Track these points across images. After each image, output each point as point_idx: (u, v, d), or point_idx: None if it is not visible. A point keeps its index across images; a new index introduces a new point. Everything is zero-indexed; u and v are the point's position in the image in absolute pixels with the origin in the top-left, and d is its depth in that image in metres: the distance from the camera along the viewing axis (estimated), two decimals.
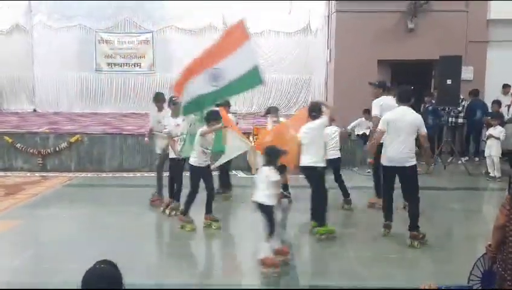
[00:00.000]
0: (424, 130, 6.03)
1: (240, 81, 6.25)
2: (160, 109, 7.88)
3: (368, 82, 7.87)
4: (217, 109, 7.03)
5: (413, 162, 6.05)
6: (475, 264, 3.66)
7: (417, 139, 6.12)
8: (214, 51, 6.38)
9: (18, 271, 5.32)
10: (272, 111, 8.29)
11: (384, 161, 6.19)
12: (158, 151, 7.83)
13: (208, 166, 6.70)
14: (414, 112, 6.19)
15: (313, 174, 6.35)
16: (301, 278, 5.16)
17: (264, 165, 5.40)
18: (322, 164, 6.38)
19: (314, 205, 6.48)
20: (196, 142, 6.51)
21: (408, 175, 6.09)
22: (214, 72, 6.39)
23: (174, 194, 7.18)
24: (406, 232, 6.41)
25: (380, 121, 6.30)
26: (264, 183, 5.25)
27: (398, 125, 5.98)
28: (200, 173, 6.58)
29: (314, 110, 6.45)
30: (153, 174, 8.13)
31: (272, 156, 5.36)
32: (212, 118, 6.45)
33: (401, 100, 6.16)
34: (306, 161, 6.32)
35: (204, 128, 6.47)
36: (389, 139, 6.08)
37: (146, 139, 8.30)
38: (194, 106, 6.56)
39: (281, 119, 8.17)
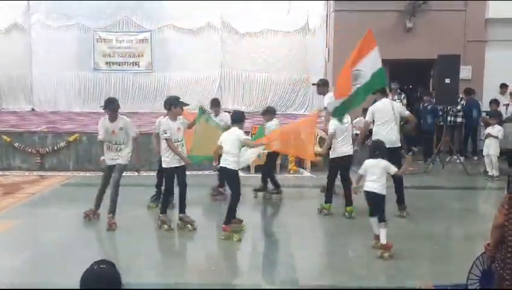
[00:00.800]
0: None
1: (371, 81, 7.08)
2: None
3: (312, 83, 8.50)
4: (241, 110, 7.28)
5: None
6: (474, 263, 3.68)
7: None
8: (354, 56, 7.38)
9: (16, 271, 5.31)
10: (267, 112, 8.39)
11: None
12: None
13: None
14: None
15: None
16: (301, 276, 5.17)
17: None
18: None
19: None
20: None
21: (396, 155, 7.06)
22: (355, 73, 7.18)
23: (180, 208, 6.79)
24: (405, 233, 6.43)
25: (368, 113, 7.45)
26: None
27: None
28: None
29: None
30: (152, 174, 8.12)
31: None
32: (238, 119, 6.70)
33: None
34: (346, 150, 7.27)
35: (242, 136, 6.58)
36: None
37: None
38: (343, 108, 7.23)
39: (275, 120, 8.22)
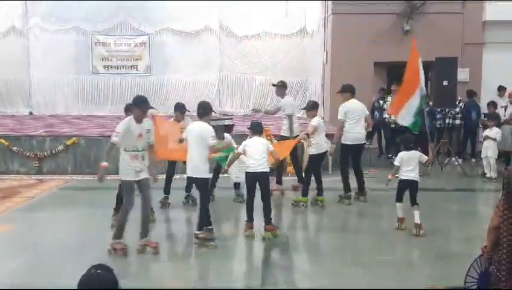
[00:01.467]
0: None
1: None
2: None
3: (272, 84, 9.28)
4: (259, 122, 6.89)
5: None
6: (471, 265, 3.67)
7: None
8: (413, 69, 9.37)
9: (14, 275, 5.30)
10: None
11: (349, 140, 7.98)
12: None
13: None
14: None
15: None
16: (300, 277, 5.17)
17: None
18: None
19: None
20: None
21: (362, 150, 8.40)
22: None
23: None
24: (404, 235, 6.44)
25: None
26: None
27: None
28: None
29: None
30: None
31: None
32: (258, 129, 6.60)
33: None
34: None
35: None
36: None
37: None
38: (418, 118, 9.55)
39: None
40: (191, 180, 6.25)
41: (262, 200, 6.38)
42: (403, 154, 6.60)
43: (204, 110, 6.19)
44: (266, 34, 15.59)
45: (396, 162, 6.67)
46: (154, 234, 6.12)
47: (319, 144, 7.74)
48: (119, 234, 5.75)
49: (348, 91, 8.15)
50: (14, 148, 10.59)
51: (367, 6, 12.28)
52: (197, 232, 6.02)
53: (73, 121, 13.89)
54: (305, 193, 7.86)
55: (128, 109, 6.41)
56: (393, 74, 13.02)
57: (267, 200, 6.37)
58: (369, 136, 11.77)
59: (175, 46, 15.66)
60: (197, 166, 5.97)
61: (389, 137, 12.03)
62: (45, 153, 10.62)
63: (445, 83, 10.73)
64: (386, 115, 11.87)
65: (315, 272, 5.47)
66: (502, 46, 12.45)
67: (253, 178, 6.33)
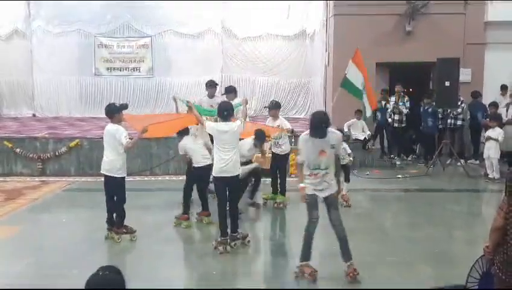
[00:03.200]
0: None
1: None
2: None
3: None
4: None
5: None
6: (473, 266, 3.68)
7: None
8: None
9: (19, 277, 5.32)
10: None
11: None
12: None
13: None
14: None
15: None
16: (301, 279, 5.19)
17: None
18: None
19: None
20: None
21: None
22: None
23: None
24: (405, 236, 6.44)
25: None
26: None
27: None
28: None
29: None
30: (153, 178, 8.13)
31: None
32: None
33: None
34: None
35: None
36: None
37: None
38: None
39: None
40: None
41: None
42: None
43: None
44: (268, 35, 15.61)
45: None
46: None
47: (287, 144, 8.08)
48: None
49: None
50: (18, 150, 10.64)
51: (369, 7, 12.28)
52: (233, 234, 6.22)
53: (76, 123, 13.93)
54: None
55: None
56: (395, 74, 13.02)
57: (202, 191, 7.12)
58: (371, 137, 11.82)
59: (177, 48, 15.69)
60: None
61: (391, 138, 12.05)
62: (48, 155, 10.66)
63: (447, 83, 10.72)
64: (389, 119, 11.88)
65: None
66: (504, 46, 12.43)
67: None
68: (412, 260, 5.67)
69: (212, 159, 6.39)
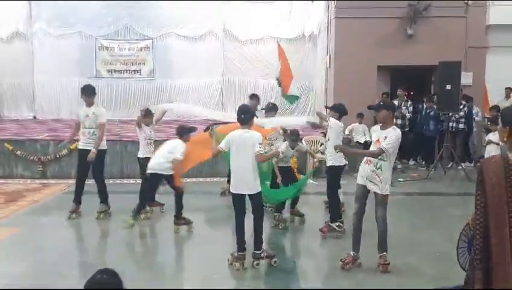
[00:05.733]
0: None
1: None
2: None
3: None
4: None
5: None
6: (459, 238, 3.78)
7: None
8: (287, 67, 10.69)
9: (19, 278, 5.31)
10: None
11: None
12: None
13: None
14: None
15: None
16: (301, 280, 5.17)
17: None
18: None
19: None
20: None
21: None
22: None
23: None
24: (407, 239, 6.42)
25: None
26: None
27: None
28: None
29: None
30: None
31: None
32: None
33: None
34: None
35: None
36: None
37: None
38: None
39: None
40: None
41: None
42: None
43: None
44: (269, 38, 15.62)
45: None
46: None
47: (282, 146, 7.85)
48: None
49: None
50: (18, 152, 10.63)
51: (370, 10, 12.29)
52: (256, 252, 5.47)
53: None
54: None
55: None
56: (396, 78, 13.03)
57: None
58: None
59: (178, 51, 15.72)
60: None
61: None
62: (49, 157, 10.65)
63: (448, 87, 10.73)
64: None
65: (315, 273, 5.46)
66: (506, 50, 12.45)
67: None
68: (413, 263, 5.65)
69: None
